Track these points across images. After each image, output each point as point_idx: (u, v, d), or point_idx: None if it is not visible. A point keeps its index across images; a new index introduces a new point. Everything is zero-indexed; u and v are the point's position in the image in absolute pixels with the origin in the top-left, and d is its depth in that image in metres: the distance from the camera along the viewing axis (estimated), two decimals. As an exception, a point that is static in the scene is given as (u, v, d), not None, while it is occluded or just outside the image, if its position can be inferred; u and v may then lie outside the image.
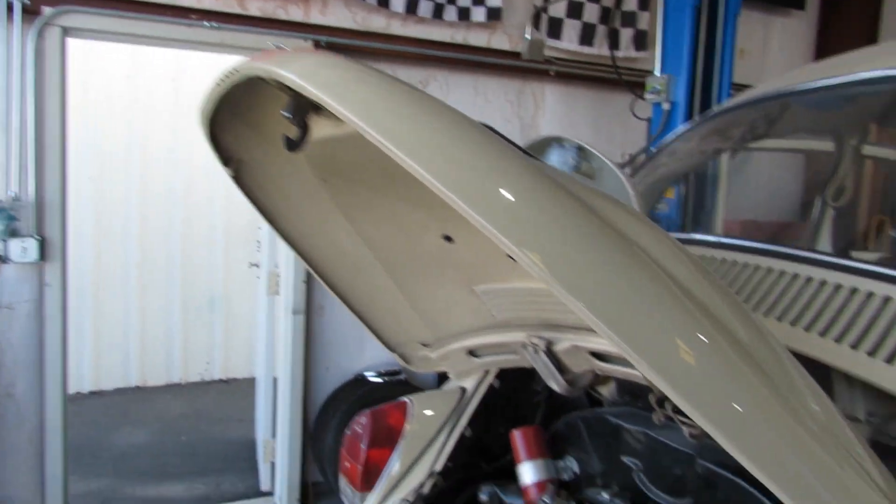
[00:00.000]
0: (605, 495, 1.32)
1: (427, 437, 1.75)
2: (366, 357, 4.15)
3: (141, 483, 4.25)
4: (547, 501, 1.32)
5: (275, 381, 4.12)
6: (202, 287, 5.93)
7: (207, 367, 6.06)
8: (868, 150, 2.61)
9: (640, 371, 0.74)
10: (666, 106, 3.54)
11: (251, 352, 5.84)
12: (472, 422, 1.74)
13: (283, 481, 3.96)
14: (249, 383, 5.38)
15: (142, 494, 4.12)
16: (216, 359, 6.08)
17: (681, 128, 2.33)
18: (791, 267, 1.11)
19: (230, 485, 4.31)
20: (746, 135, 2.07)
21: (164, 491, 4.18)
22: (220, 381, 6.12)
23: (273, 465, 4.12)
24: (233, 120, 1.12)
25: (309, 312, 3.93)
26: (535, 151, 1.53)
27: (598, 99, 4.52)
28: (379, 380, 4.08)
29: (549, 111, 4.43)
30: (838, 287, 1.04)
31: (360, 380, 4.09)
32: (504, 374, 1.80)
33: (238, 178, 1.25)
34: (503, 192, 0.79)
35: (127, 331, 5.71)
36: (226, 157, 1.20)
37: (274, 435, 4.10)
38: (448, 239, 1.38)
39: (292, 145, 1.04)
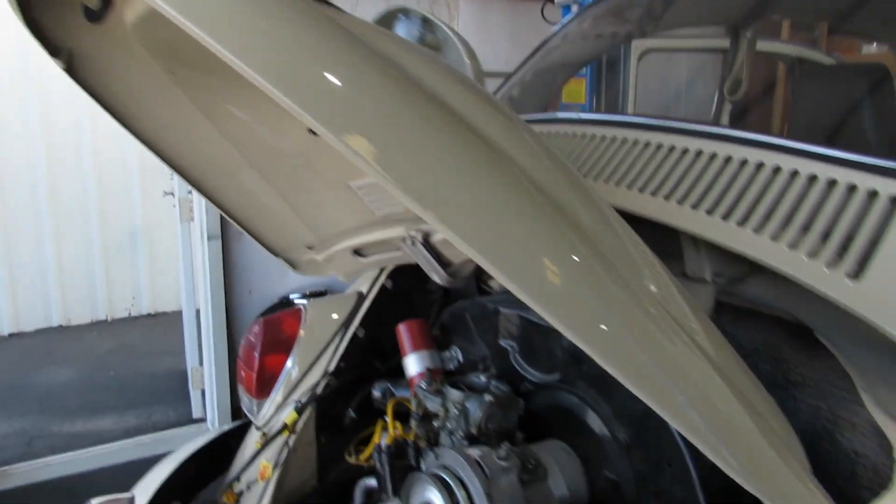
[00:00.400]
0: (483, 378, 1.34)
1: (322, 341, 1.74)
2: (290, 280, 4.11)
3: (69, 420, 4.19)
4: (422, 387, 1.34)
5: (198, 310, 4.06)
6: (121, 220, 5.73)
7: (134, 302, 5.92)
8: (763, 44, 2.63)
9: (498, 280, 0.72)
10: (575, 8, 3.48)
11: (179, 284, 5.72)
12: (366, 323, 1.73)
13: (213, 407, 3.96)
14: (179, 316, 5.28)
15: (70, 430, 4.07)
16: (143, 293, 5.94)
17: (573, 12, 2.29)
18: (645, 136, 1.11)
19: (161, 415, 4.29)
20: (644, 18, 2.04)
21: (92, 426, 4.13)
22: (149, 315, 6.01)
23: (203, 392, 4.11)
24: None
25: (226, 237, 3.85)
26: (381, 24, 1.48)
27: (514, 8, 4.42)
28: (304, 301, 4.06)
29: (464, 22, 4.32)
30: (685, 151, 1.05)
31: (285, 302, 4.07)
32: (398, 274, 1.79)
33: (73, 72, 1.16)
34: (318, 68, 0.71)
35: (44, 270, 5.50)
36: (53, 47, 1.11)
37: (201, 363, 4.07)
38: (313, 132, 1.33)
39: (92, 15, 0.96)
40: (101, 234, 5.68)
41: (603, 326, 0.72)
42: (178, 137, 1.35)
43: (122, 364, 5.02)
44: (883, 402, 0.91)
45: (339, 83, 0.71)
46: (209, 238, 3.78)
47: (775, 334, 1.12)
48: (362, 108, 0.72)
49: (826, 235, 0.87)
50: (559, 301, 0.71)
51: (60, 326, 5.65)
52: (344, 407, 1.67)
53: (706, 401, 0.76)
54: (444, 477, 1.08)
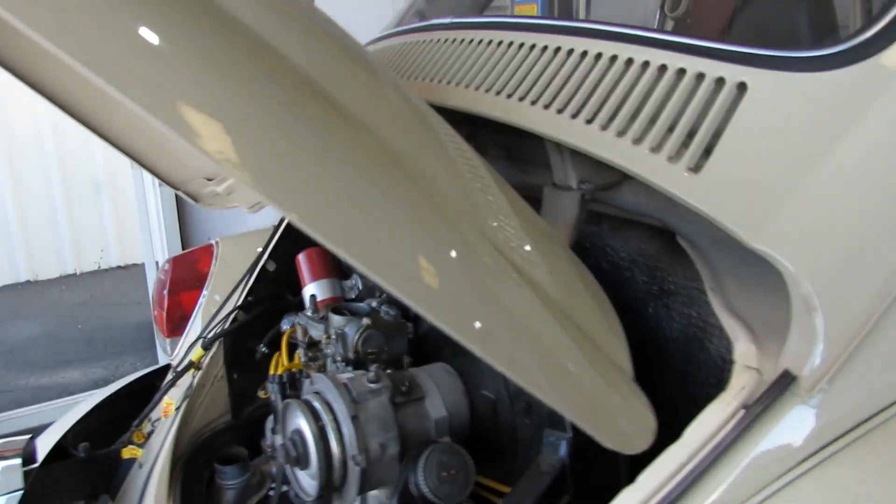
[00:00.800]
0: (374, 303, 1.31)
1: (236, 276, 1.70)
2: (254, 222, 4.03)
3: (35, 373, 4.19)
4: (308, 315, 1.31)
5: (157, 262, 4.01)
6: (83, 172, 5.61)
7: (103, 255, 5.87)
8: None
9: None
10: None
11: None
12: (277, 256, 1.69)
13: (177, 355, 3.95)
14: (149, 266, 5.25)
15: (35, 384, 4.07)
16: (111, 245, 5.87)
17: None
18: (519, 37, 1.04)
19: (129, 365, 4.28)
20: None
21: (59, 378, 4.13)
22: (119, 267, 5.96)
23: (168, 340, 4.09)
24: None
25: (177, 182, 3.76)
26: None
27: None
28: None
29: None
30: (544, 48, 0.98)
31: (245, 247, 4.01)
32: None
33: None
34: (127, 21, 0.60)
35: (6, 225, 5.42)
36: None
37: (164, 311, 4.05)
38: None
39: None
40: (63, 187, 5.58)
41: (436, 288, 0.70)
42: (40, 58, 1.28)
43: (91, 316, 5.00)
44: (730, 299, 0.87)
45: (156, 41, 0.61)
46: (160, 184, 3.69)
47: (650, 243, 1.08)
48: (189, 77, 0.61)
49: (671, 128, 0.82)
50: (408, 282, 0.69)
51: (28, 282, 5.60)
52: (256, 342, 1.64)
53: (530, 342, 0.76)
54: (313, 402, 1.05)
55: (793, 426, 0.75)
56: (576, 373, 0.77)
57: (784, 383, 0.75)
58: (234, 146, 0.61)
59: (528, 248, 0.82)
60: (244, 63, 0.67)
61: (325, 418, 1.02)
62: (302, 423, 1.04)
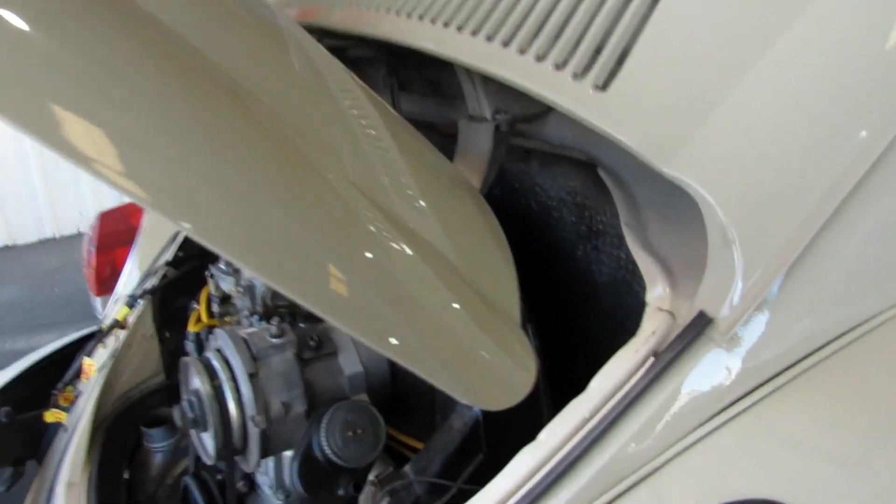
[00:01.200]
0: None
1: (166, 233, 1.61)
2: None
3: (10, 338, 4.13)
4: (220, 267, 1.21)
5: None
6: (56, 134, 5.47)
7: (82, 218, 5.74)
8: None
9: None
10: None
11: (123, 196, 5.50)
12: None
13: (152, 317, 3.88)
14: (127, 228, 5.15)
15: (10, 348, 4.01)
16: (89, 208, 5.74)
17: None
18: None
19: (106, 328, 4.22)
20: None
21: (34, 342, 4.06)
22: (98, 230, 5.86)
23: (143, 302, 4.03)
24: None
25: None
26: None
27: None
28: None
29: None
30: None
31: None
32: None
33: None
34: None
35: (-21, 192, 5.31)
36: None
37: (137, 273, 3.97)
38: None
39: None
40: (36, 150, 5.43)
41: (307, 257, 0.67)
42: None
43: (68, 280, 4.91)
44: (648, 236, 0.78)
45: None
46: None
47: (578, 180, 0.98)
48: (62, 73, 0.54)
49: (577, 42, 0.71)
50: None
51: (6, 247, 5.50)
52: (189, 300, 1.55)
53: (404, 306, 0.71)
54: (212, 360, 0.96)
55: (709, 373, 0.66)
56: (455, 335, 0.71)
57: (699, 326, 0.66)
58: (122, 159, 0.54)
59: (422, 203, 0.75)
60: (130, 52, 0.58)
61: (223, 377, 0.93)
62: (198, 383, 0.95)
